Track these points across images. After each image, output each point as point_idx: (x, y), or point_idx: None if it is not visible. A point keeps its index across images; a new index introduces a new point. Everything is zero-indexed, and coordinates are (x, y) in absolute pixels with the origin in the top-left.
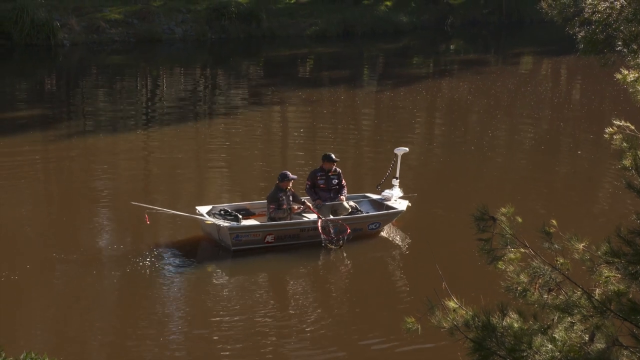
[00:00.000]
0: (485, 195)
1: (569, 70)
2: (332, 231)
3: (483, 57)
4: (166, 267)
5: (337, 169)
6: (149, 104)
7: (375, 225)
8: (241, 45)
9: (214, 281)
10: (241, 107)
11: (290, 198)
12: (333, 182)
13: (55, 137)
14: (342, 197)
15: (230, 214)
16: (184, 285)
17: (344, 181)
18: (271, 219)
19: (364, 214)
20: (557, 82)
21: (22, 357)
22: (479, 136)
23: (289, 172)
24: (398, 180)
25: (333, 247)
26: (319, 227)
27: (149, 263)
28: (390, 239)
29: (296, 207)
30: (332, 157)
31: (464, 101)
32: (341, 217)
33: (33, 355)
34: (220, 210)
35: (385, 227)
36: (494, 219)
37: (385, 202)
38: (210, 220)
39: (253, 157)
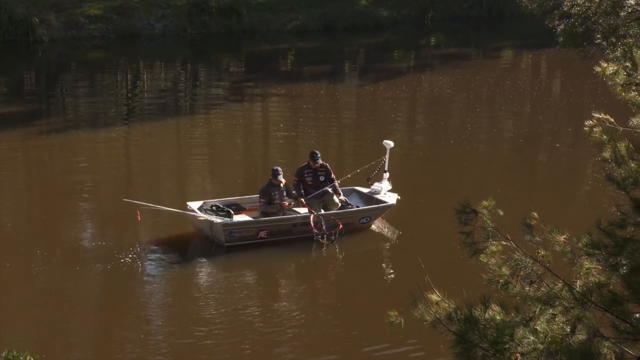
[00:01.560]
0: (467, 188)
1: (548, 64)
2: (324, 226)
3: (463, 50)
4: (154, 264)
5: (324, 164)
6: (130, 99)
7: (366, 220)
8: (222, 40)
9: (205, 278)
10: (222, 102)
11: (284, 193)
12: (320, 178)
13: (35, 133)
14: (340, 197)
15: (222, 210)
16: (173, 283)
17: (333, 175)
18: (263, 213)
19: (355, 209)
20: (536, 75)
21: (3, 355)
22: (459, 130)
23: (279, 169)
24: (388, 174)
25: (325, 242)
26: (311, 223)
27: (136, 260)
28: (378, 232)
29: (287, 203)
30: (316, 157)
31: (444, 95)
32: (333, 212)
33: (15, 353)
34: (212, 206)
35: (375, 221)
36: (475, 212)
37: (375, 196)
38: (203, 216)
39: (235, 151)
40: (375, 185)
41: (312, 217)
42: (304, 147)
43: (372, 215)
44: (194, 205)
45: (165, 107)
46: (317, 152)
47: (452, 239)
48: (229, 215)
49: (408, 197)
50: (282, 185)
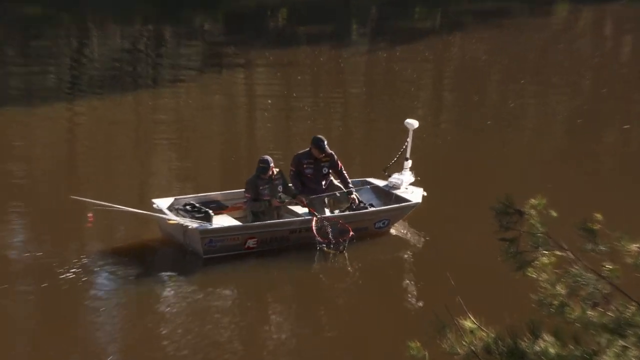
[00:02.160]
0: (509, 182)
1: (614, 22)
2: (330, 233)
3: (504, 5)
4: (106, 282)
5: (330, 152)
6: (75, 67)
7: (383, 223)
8: None
9: (173, 301)
10: (194, 72)
11: (280, 188)
12: (323, 171)
13: None
14: (351, 194)
15: (199, 211)
16: (130, 307)
17: (340, 164)
18: (252, 213)
19: (370, 210)
20: (599, 37)
21: None
22: (497, 107)
23: (269, 160)
24: (410, 162)
25: (331, 251)
26: (313, 228)
27: (81, 277)
28: (397, 239)
29: (277, 200)
30: (322, 146)
31: (478, 62)
32: (341, 214)
33: None
34: (185, 204)
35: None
36: (520, 213)
37: (394, 192)
38: (174, 219)
39: (212, 135)
40: (395, 178)
41: (314, 220)
42: (299, 130)
43: (390, 218)
44: (162, 203)
45: (121, 78)
46: (323, 138)
47: (491, 247)
48: (208, 217)
49: (434, 192)
50: (275, 176)
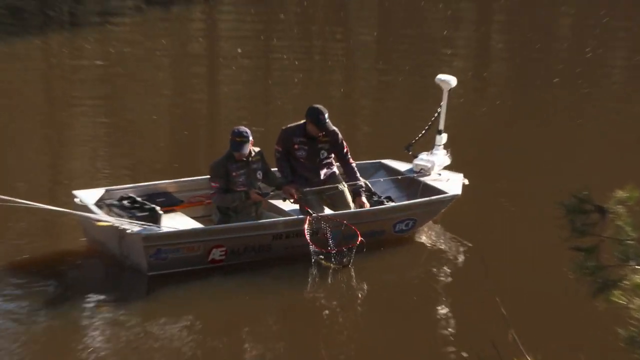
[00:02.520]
0: (580, 168)
1: None
2: (330, 238)
3: None
4: (3, 309)
5: (332, 129)
6: None
7: (407, 225)
8: None
9: (98, 340)
10: (131, 5)
11: (259, 175)
12: (321, 154)
13: None
14: (362, 198)
15: (141, 207)
16: (38, 347)
17: (346, 148)
18: (220, 212)
19: (388, 206)
20: None
21: None
22: (569, 62)
23: (246, 132)
24: (445, 137)
25: (332, 265)
26: (305, 232)
27: None
28: (423, 247)
29: (257, 192)
30: (322, 121)
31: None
32: (345, 212)
33: None
34: (122, 198)
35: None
36: (602, 211)
37: (422, 180)
38: (105, 219)
39: (155, 99)
40: (422, 159)
41: (307, 221)
42: (283, 92)
43: (417, 217)
44: (88, 196)
45: (22, 16)
46: (322, 109)
47: (558, 260)
48: (155, 217)
49: (476, 181)
50: (253, 157)
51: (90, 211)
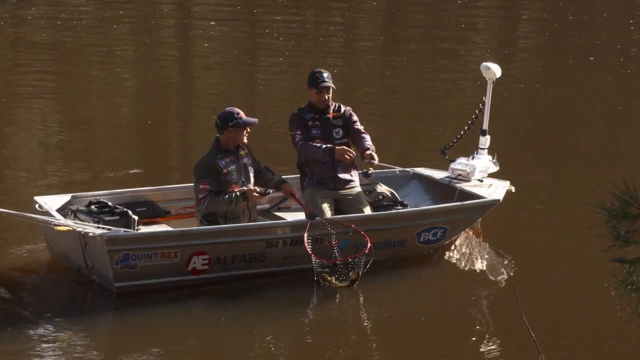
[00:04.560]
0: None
1: None
2: (335, 247)
3: None
4: None
5: (344, 108)
6: None
7: (434, 235)
8: None
9: None
10: None
11: (250, 171)
12: (336, 133)
13: None
14: (370, 159)
15: (111, 211)
16: None
17: (361, 127)
18: (205, 219)
19: (413, 210)
20: None
21: None
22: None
23: (239, 112)
24: (488, 138)
25: (337, 283)
26: (305, 240)
27: None
28: (449, 264)
29: (256, 192)
30: (320, 79)
31: None
32: (357, 215)
33: None
34: (91, 203)
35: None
36: None
37: (458, 186)
38: (65, 223)
39: (115, 82)
40: (460, 163)
41: (308, 224)
42: (269, 77)
43: (448, 226)
44: (49, 201)
45: None
46: (320, 69)
47: (594, 273)
48: (126, 220)
49: (522, 188)
50: (243, 150)
51: (53, 215)
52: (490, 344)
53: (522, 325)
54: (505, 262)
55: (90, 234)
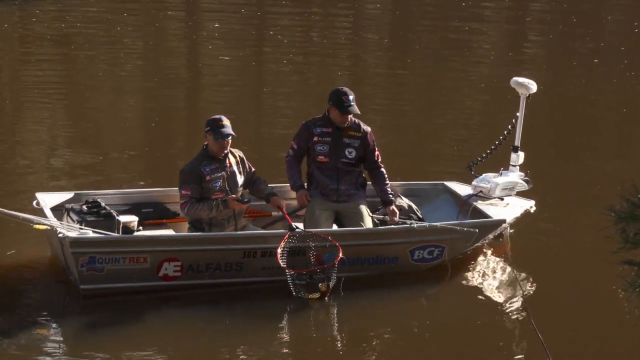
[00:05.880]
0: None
1: None
2: (315, 259)
3: None
4: None
5: (364, 127)
6: None
7: (430, 253)
8: None
9: None
10: None
11: (238, 180)
12: (348, 152)
13: None
14: (391, 207)
15: (97, 212)
16: None
17: (377, 152)
18: (192, 226)
19: (407, 226)
20: None
21: None
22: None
23: (223, 119)
24: (521, 155)
25: (307, 295)
26: (278, 252)
27: None
28: (448, 283)
29: (235, 200)
30: (347, 103)
31: None
32: (341, 230)
33: None
34: (87, 202)
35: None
36: None
37: (474, 203)
38: (43, 222)
39: (126, 85)
40: (482, 180)
41: (286, 235)
42: (274, 80)
43: (446, 245)
44: (48, 199)
45: None
46: (347, 90)
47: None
48: (109, 221)
49: (547, 204)
50: (237, 156)
51: (45, 216)
52: (501, 344)
53: (532, 332)
54: (514, 266)
55: (60, 234)
